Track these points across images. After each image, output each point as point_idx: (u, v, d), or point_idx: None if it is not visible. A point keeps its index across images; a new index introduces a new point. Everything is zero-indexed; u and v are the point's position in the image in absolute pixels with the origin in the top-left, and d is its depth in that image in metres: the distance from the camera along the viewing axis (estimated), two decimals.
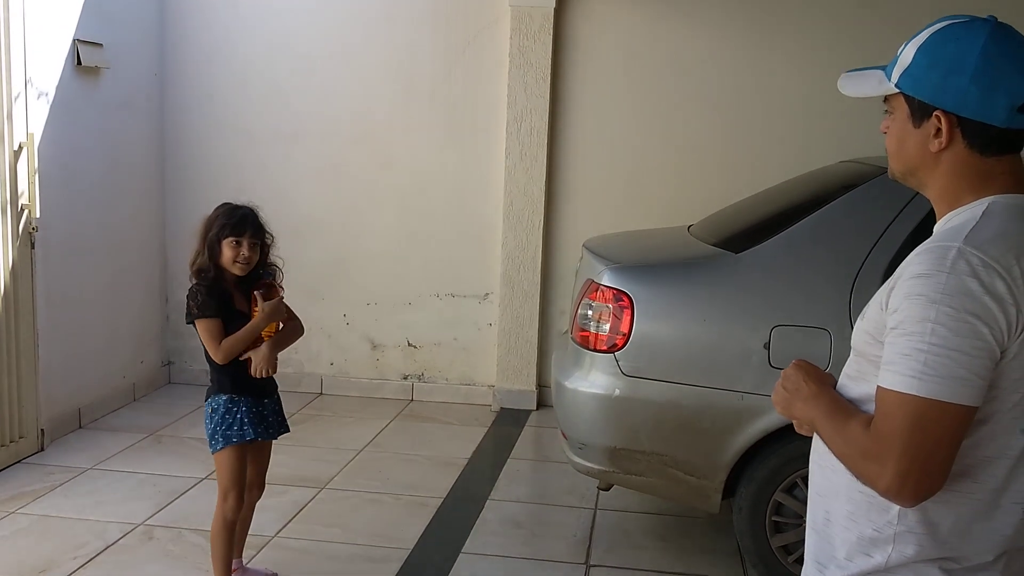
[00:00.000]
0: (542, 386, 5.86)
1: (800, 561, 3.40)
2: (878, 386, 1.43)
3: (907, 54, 1.53)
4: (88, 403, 5.25)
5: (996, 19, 1.49)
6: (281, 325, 3.33)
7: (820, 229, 3.50)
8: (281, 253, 5.83)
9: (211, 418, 3.21)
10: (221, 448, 3.19)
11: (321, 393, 6.03)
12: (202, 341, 3.16)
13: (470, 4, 5.73)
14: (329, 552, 3.81)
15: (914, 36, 1.54)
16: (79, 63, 5.03)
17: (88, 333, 5.26)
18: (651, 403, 3.42)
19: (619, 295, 3.43)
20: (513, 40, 5.61)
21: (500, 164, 5.73)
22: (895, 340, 1.40)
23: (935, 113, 1.47)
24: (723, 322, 3.43)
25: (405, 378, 6.06)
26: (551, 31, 5.58)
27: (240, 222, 3.22)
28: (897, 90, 1.53)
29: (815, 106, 5.50)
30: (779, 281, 3.43)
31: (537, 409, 5.81)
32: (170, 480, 4.43)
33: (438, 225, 5.90)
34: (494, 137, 5.75)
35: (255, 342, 3.20)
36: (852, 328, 3.28)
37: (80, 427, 5.15)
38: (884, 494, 1.42)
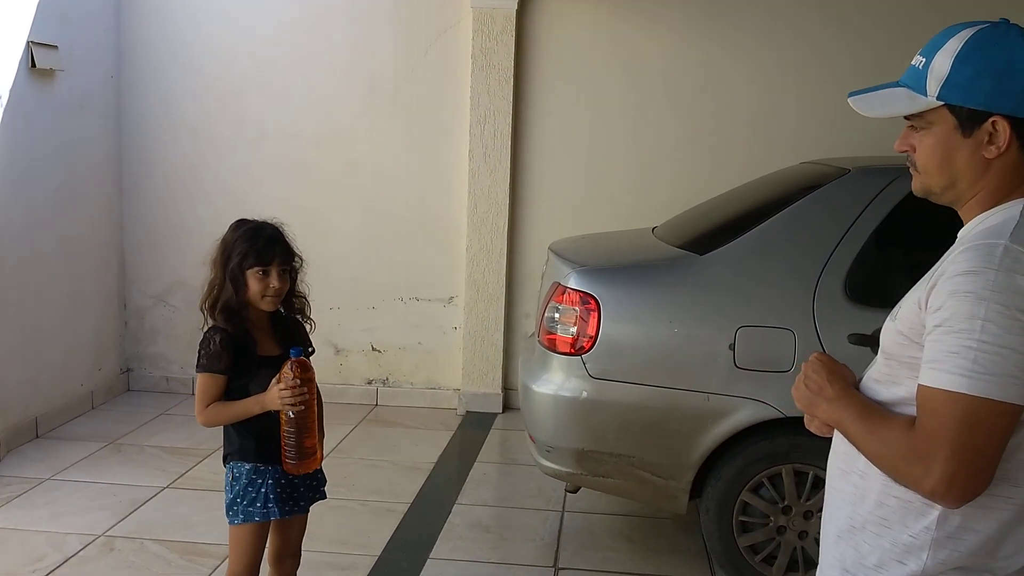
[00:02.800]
0: (508, 389, 5.85)
1: (768, 560, 3.45)
2: (921, 385, 1.39)
3: (941, 65, 1.48)
4: (45, 412, 5.14)
5: (1008, 21, 1.49)
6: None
7: (783, 230, 3.52)
8: None
9: (231, 486, 2.69)
10: (239, 523, 2.69)
11: None
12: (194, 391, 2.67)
13: (432, 5, 5.71)
14: None
15: (935, 47, 1.51)
16: (33, 65, 4.93)
17: (45, 340, 5.15)
18: (618, 405, 3.42)
19: (586, 298, 3.43)
20: (475, 41, 5.60)
21: (464, 166, 5.71)
22: (940, 338, 1.37)
23: (991, 120, 1.45)
24: (689, 323, 3.44)
25: (369, 383, 6.01)
26: (513, 33, 5.58)
27: (267, 247, 2.71)
28: (939, 103, 1.49)
29: (774, 107, 5.56)
30: (743, 282, 3.45)
31: (503, 412, 5.80)
32: (131, 489, 4.35)
33: (402, 228, 5.86)
34: (458, 139, 5.73)
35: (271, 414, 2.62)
36: (816, 328, 3.32)
37: (37, 436, 5.04)
38: (930, 496, 1.38)
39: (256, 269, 2.68)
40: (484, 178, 5.67)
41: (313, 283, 5.78)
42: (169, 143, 5.90)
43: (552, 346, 3.55)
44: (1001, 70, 1.44)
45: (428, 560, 3.77)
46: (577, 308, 3.45)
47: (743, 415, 3.34)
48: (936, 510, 1.44)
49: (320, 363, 5.82)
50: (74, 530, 3.90)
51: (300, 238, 5.79)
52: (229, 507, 2.71)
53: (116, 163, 5.89)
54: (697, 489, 3.49)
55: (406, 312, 5.94)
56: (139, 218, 5.95)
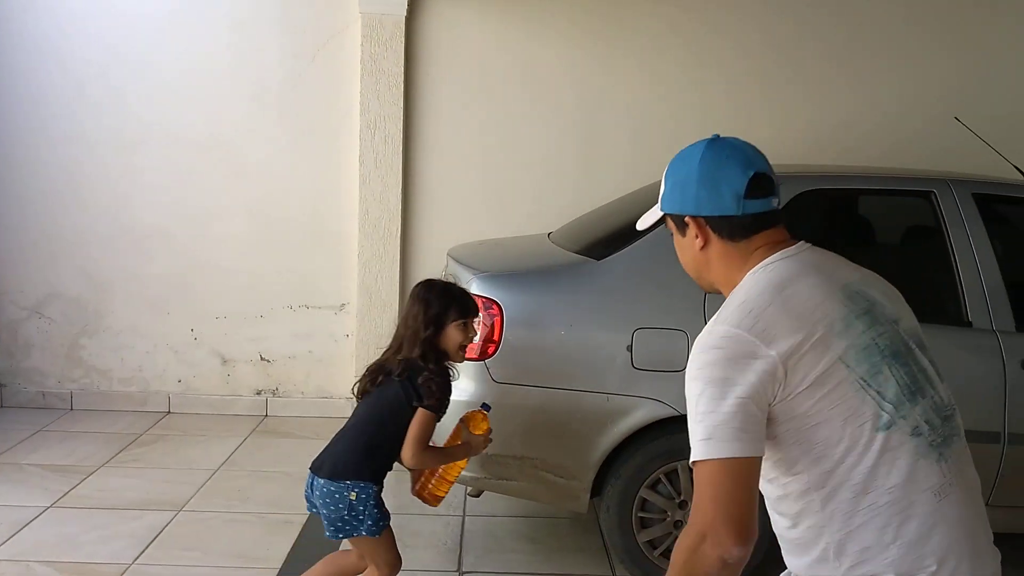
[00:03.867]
0: None
1: (666, 554, 3.56)
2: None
3: (662, 182, 1.81)
4: None
5: (717, 136, 1.78)
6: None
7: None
8: (123, 266, 5.65)
9: (366, 504, 2.88)
10: (383, 528, 2.96)
11: (169, 412, 5.78)
12: (410, 429, 2.86)
13: (320, 10, 5.66)
14: None
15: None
16: None
17: None
18: (522, 408, 3.48)
19: (488, 303, 3.48)
20: (364, 47, 5.58)
21: (354, 172, 5.68)
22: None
23: (686, 219, 1.74)
24: (588, 327, 3.53)
25: (259, 393, 5.90)
26: (403, 39, 5.59)
27: (470, 300, 3.01)
28: (662, 213, 1.80)
29: (665, 113, 5.74)
30: (639, 286, 3.56)
31: None
32: (12, 510, 4.14)
33: (291, 235, 5.78)
34: (348, 145, 5.69)
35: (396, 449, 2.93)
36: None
37: None
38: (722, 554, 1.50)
39: (460, 321, 2.93)
40: (375, 184, 5.65)
41: (198, 292, 5.74)
42: (44, 149, 5.65)
43: None
44: (684, 180, 1.74)
45: None
46: (480, 314, 3.49)
47: (641, 414, 3.46)
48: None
49: (206, 374, 5.77)
50: None
51: (183, 245, 5.74)
52: (375, 523, 2.90)
53: None
54: (597, 487, 3.58)
55: (296, 320, 5.86)
56: (10, 226, 5.66)
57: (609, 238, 3.83)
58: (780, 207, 1.74)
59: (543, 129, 5.77)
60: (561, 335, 3.51)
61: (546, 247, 4.12)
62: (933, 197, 3.71)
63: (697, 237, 1.73)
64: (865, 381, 1.53)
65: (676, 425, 3.48)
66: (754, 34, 5.75)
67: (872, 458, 1.52)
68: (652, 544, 3.58)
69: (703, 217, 1.72)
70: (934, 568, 1.52)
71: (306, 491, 3.02)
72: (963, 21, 5.80)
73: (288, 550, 3.89)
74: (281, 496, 4.48)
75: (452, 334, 2.93)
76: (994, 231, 3.69)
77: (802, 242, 1.74)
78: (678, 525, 3.56)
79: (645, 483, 3.53)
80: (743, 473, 1.51)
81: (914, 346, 1.64)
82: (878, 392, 1.53)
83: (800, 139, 5.65)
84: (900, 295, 1.77)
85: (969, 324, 3.55)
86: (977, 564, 1.56)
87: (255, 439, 5.38)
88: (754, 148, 1.76)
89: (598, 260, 3.63)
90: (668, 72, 5.76)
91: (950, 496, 1.55)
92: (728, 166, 1.70)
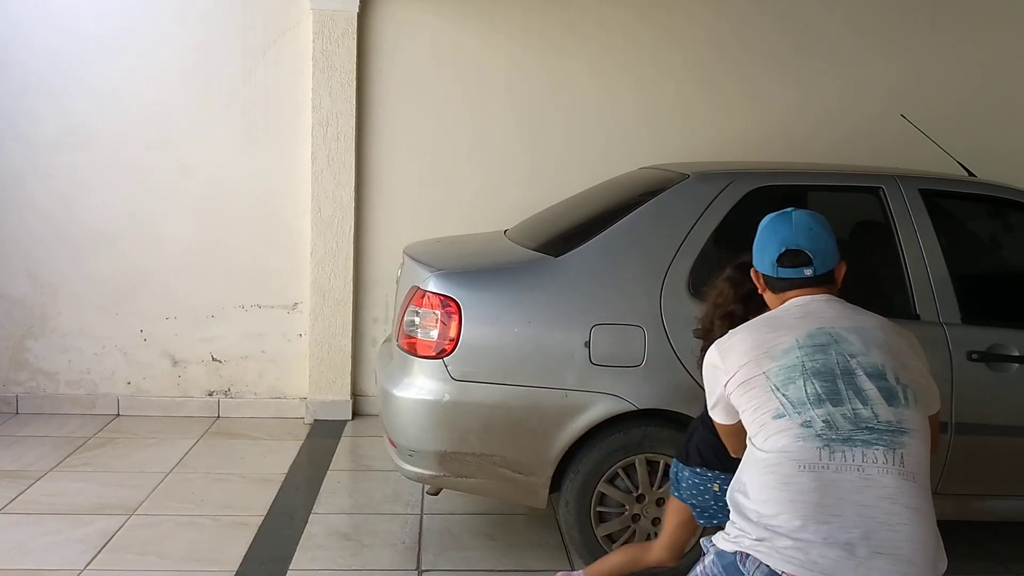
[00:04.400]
0: (357, 395, 5.81)
1: None
2: None
3: None
4: None
5: (791, 210, 2.39)
6: None
7: (631, 233, 3.69)
8: (69, 266, 5.53)
9: (719, 495, 2.88)
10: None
11: (118, 415, 5.67)
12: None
13: (270, 7, 5.59)
14: None
15: None
16: None
17: None
18: (481, 406, 3.48)
19: (446, 301, 3.47)
20: (316, 43, 5.53)
21: (307, 169, 5.63)
22: None
23: (751, 269, 2.48)
24: (546, 323, 3.54)
25: (210, 394, 5.81)
26: (355, 35, 5.54)
27: None
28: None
29: (613, 113, 5.79)
30: (597, 283, 3.58)
31: (353, 419, 5.75)
32: None
33: (242, 233, 5.71)
34: (299, 142, 5.64)
35: None
36: (664, 324, 3.51)
37: None
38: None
39: None
40: (328, 181, 5.60)
41: (147, 292, 5.64)
42: None
43: (412, 350, 3.57)
44: (755, 241, 2.46)
45: (288, 572, 3.70)
46: (438, 311, 3.49)
47: (599, 409, 3.48)
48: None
49: (156, 375, 5.68)
50: None
51: (131, 245, 5.65)
52: (719, 512, 2.90)
53: None
54: (556, 483, 3.60)
55: (248, 320, 5.78)
56: None
57: (566, 235, 3.85)
58: (818, 274, 2.31)
59: (495, 127, 5.77)
60: (518, 332, 3.52)
61: (503, 244, 4.13)
62: (881, 193, 3.79)
63: (757, 282, 2.47)
64: (776, 387, 2.15)
65: (634, 420, 3.52)
66: (702, 38, 5.81)
67: (767, 432, 2.13)
68: (610, 538, 3.61)
69: (756, 270, 2.45)
70: (785, 516, 2.03)
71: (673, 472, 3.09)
72: (904, 30, 5.91)
73: (244, 552, 3.85)
74: (236, 498, 4.42)
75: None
76: (940, 226, 3.78)
77: (826, 295, 2.33)
78: (636, 519, 3.60)
79: (603, 478, 3.56)
80: (731, 430, 2.39)
81: (861, 372, 2.14)
82: (784, 395, 2.13)
83: (746, 139, 5.74)
84: (892, 339, 2.24)
85: (917, 317, 3.64)
86: (835, 529, 1.99)
87: (208, 441, 5.31)
88: (808, 224, 2.34)
89: (556, 257, 3.65)
90: (616, 74, 5.79)
91: (822, 474, 2.04)
92: (772, 239, 2.37)
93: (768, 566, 2.02)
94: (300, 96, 5.61)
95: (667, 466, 3.53)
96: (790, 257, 2.31)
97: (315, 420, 5.71)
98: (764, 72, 5.85)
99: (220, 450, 5.16)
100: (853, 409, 2.09)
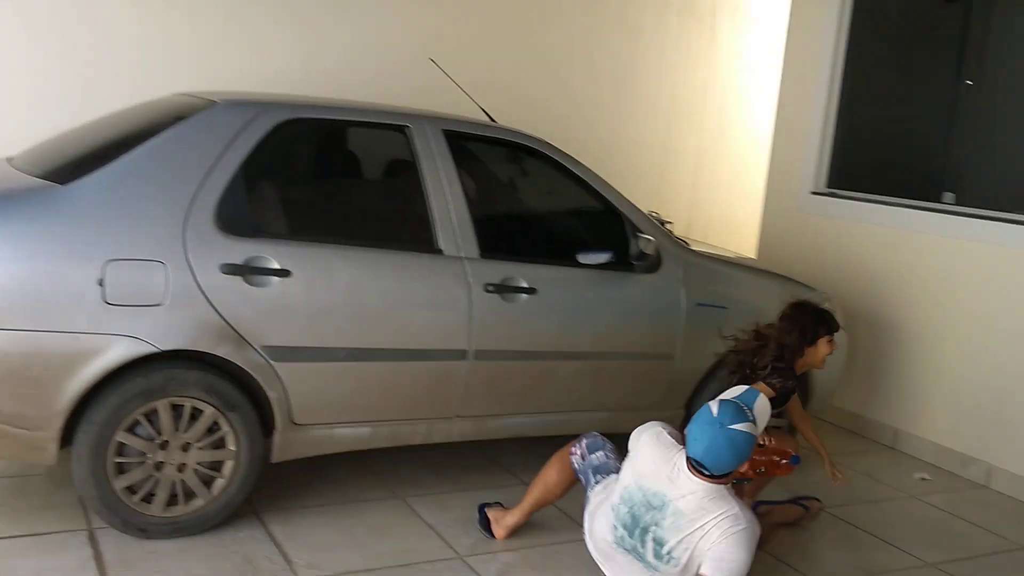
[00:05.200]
0: None
1: (147, 499, 3.37)
2: None
3: None
4: None
5: (720, 426, 2.98)
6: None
7: (152, 160, 3.41)
8: None
9: None
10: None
11: None
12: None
13: None
14: None
15: None
16: None
17: None
18: None
19: None
20: None
21: None
22: None
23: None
24: (52, 259, 3.15)
25: None
26: None
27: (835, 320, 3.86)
28: None
29: (148, 37, 5.29)
30: (111, 214, 3.26)
31: None
32: None
33: None
34: None
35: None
36: (188, 259, 3.31)
37: None
38: None
39: (829, 337, 3.78)
40: None
41: None
42: None
43: None
44: None
45: None
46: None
47: (116, 352, 3.20)
48: None
49: None
50: None
51: None
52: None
53: None
54: (68, 436, 3.27)
55: None
56: None
57: (77, 161, 3.46)
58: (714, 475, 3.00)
59: (5, 40, 5.00)
60: (17, 270, 3.10)
61: (3, 170, 3.60)
62: (408, 131, 3.91)
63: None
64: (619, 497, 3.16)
65: (156, 363, 3.30)
66: None
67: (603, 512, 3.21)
68: (131, 490, 3.35)
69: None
70: None
71: None
72: None
73: None
74: None
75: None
76: (462, 166, 4.00)
77: (711, 487, 3.02)
78: (159, 467, 3.38)
79: (122, 426, 3.29)
80: None
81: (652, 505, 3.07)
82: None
83: (285, 76, 5.58)
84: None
85: (440, 251, 3.83)
86: None
87: None
88: (718, 452, 2.97)
89: (62, 184, 3.26)
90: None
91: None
92: (697, 439, 3.01)
93: None
94: None
95: (195, 409, 3.37)
96: (696, 460, 3.00)
97: None
98: (309, 12, 5.72)
99: None
100: (646, 528, 3.08)
